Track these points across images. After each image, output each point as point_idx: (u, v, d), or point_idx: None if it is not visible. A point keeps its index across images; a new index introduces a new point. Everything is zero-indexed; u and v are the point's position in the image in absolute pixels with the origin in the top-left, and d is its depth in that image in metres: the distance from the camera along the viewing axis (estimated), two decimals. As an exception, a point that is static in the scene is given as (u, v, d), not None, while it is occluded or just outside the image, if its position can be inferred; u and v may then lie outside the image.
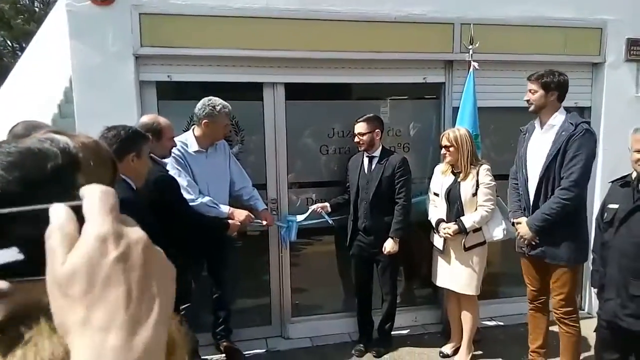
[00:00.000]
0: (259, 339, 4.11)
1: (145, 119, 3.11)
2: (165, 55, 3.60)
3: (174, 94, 3.85)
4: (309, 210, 3.90)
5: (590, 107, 4.40)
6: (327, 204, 3.90)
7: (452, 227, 3.53)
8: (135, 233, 0.45)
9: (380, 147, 3.76)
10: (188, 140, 3.43)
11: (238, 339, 3.92)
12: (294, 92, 3.95)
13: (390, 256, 3.71)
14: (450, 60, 4.08)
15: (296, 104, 3.99)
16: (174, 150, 3.22)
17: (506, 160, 4.10)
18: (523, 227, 3.28)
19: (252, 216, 3.52)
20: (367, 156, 3.77)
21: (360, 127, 3.69)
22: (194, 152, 3.42)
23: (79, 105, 3.46)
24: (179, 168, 3.32)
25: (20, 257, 0.47)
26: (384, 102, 4.21)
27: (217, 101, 3.39)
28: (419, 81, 4.12)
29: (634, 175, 2.69)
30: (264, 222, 3.70)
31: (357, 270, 3.96)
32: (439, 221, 3.64)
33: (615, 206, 2.70)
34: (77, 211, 0.45)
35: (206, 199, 3.36)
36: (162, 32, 3.54)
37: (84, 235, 0.43)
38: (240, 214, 3.43)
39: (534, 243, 3.27)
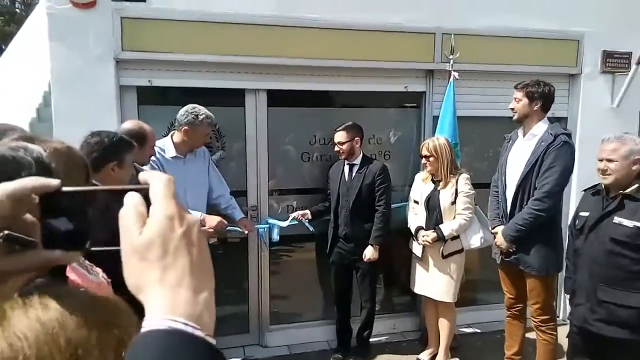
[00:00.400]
0: (236, 347, 4.06)
1: (129, 124, 2.99)
2: (146, 59, 3.58)
3: (155, 99, 3.82)
4: (290, 218, 3.88)
5: (567, 117, 4.48)
6: (307, 211, 3.88)
7: (431, 234, 3.56)
8: (192, 217, 0.55)
9: (361, 155, 3.78)
10: (166, 146, 3.36)
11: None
12: (276, 98, 3.95)
13: (370, 263, 3.72)
14: (431, 69, 4.13)
15: (278, 110, 3.99)
16: None
17: (485, 169, 4.15)
18: (499, 237, 3.32)
19: (225, 222, 3.37)
20: (347, 164, 3.78)
21: (339, 136, 3.70)
22: (171, 157, 3.34)
23: (57, 109, 3.41)
24: None
25: (70, 226, 0.56)
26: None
27: (201, 110, 3.31)
28: (400, 90, 4.16)
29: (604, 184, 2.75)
30: (246, 232, 3.67)
31: (336, 277, 3.95)
32: (418, 229, 3.67)
33: (586, 214, 2.76)
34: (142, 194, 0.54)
35: None
36: (144, 36, 3.52)
37: (155, 214, 0.52)
38: (212, 220, 3.27)
39: (510, 251, 3.31)
